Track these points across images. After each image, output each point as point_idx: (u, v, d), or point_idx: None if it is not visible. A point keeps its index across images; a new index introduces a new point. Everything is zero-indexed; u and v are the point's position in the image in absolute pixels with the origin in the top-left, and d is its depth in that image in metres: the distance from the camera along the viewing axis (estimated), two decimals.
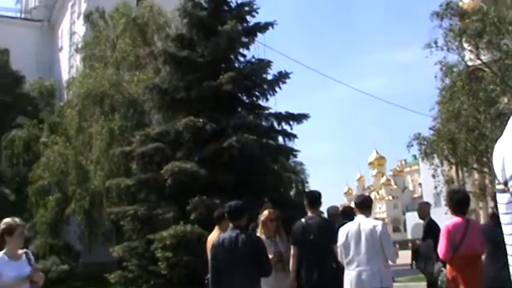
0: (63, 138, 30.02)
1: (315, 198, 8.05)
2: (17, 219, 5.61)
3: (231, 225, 6.71)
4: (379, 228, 7.01)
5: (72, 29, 44.13)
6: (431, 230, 9.37)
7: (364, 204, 7.55)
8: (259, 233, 7.59)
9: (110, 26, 31.25)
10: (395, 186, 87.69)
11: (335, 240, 7.20)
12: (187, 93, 20.12)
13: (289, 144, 21.56)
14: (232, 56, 21.35)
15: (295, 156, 22.96)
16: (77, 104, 28.20)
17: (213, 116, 19.07)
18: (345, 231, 7.16)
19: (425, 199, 43.67)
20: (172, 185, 18.27)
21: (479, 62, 25.02)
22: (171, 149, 19.59)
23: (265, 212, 7.86)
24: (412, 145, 25.87)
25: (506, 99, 23.83)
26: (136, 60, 27.96)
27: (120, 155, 22.11)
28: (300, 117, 20.96)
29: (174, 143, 19.63)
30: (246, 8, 21.54)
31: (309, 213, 7.82)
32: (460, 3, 26.06)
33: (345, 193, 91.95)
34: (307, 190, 35.42)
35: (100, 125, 26.23)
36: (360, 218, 7.24)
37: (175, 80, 20.67)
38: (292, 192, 30.55)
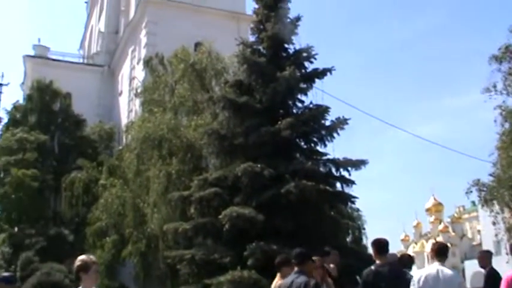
0: (121, 181, 30.52)
1: (382, 245, 8.10)
2: (91, 257, 5.67)
3: (295, 268, 6.91)
4: (458, 278, 6.94)
5: (131, 74, 45.30)
6: (493, 279, 9.18)
7: (442, 252, 7.52)
8: None
9: (168, 71, 31.87)
10: (453, 233, 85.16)
11: None
12: (246, 138, 20.26)
13: (347, 190, 21.36)
14: (290, 102, 21.44)
15: (353, 203, 22.71)
16: (136, 147, 28.70)
17: (271, 161, 19.12)
18: (421, 278, 7.07)
19: (484, 247, 42.36)
20: (230, 230, 18.28)
21: None
22: (229, 194, 19.66)
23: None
24: (471, 191, 25.22)
25: None
26: (194, 105, 28.33)
27: (178, 199, 22.26)
28: (358, 163, 20.73)
29: (232, 188, 19.70)
30: (304, 54, 21.70)
31: (378, 261, 7.82)
32: None
33: (402, 240, 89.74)
34: (364, 237, 35.03)
35: (158, 168, 26.53)
36: (436, 265, 7.19)
37: (234, 126, 20.86)
38: (348, 239, 30.12)
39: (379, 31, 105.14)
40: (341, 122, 20.94)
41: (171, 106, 29.05)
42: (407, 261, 9.83)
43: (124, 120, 43.43)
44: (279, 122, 19.63)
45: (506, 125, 24.30)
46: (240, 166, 19.10)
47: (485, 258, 9.87)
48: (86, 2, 73.80)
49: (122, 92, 48.98)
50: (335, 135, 21.06)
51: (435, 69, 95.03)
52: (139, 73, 40.11)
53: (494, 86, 23.83)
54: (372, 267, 8.00)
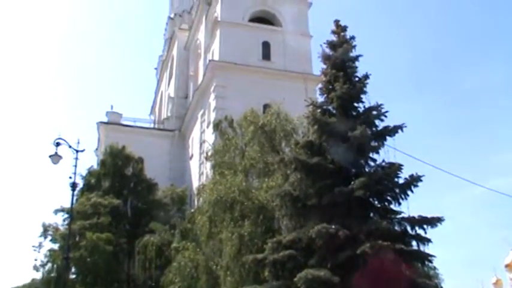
0: (193, 244, 30.60)
1: None
2: None
3: None
4: None
5: (202, 137, 46.11)
6: None
7: None
8: None
9: (238, 133, 32.19)
10: None
11: None
12: (319, 199, 20.14)
13: (423, 248, 20.72)
14: (362, 161, 21.26)
15: (430, 262, 21.93)
16: (207, 210, 28.83)
17: (345, 222, 18.90)
18: None
19: None
20: None
21: None
22: (304, 256, 19.44)
23: None
24: None
25: None
26: (264, 167, 28.38)
27: (251, 262, 22.13)
28: (433, 221, 20.17)
29: (306, 250, 19.49)
30: (374, 112, 21.63)
31: None
32: None
33: None
34: None
35: (230, 231, 26.52)
36: None
37: (306, 187, 20.77)
38: None
39: (448, 82, 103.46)
40: (414, 179, 20.56)
41: (242, 168, 29.22)
42: None
43: (195, 183, 43.99)
44: (352, 182, 19.49)
45: None
46: (314, 228, 18.92)
47: None
48: (155, 69, 76.43)
49: (192, 155, 49.80)
50: (409, 192, 20.70)
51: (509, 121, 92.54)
52: (209, 136, 40.74)
53: None
54: None
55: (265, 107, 36.23)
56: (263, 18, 50.19)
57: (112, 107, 57.04)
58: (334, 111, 21.92)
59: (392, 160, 21.14)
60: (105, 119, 56.02)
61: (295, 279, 18.14)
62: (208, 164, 35.96)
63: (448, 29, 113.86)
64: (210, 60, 47.74)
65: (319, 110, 21.70)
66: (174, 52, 62.22)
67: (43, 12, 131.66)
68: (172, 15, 70.24)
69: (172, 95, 60.58)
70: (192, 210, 36.63)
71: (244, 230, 26.07)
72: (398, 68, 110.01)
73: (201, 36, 54.07)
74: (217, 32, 48.23)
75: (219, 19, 48.82)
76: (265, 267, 20.74)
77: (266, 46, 48.31)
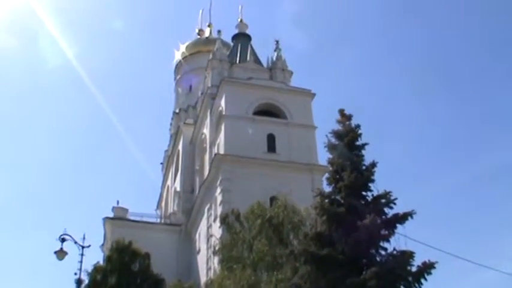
0: None
1: None
2: None
3: None
4: None
5: (209, 232, 45.52)
6: None
7: None
8: None
9: (245, 227, 31.83)
10: None
11: None
12: None
13: None
14: (373, 251, 20.84)
15: None
16: None
17: None
18: None
19: None
20: None
21: None
22: None
23: None
24: None
25: None
26: (273, 260, 27.91)
27: None
28: None
29: None
30: (383, 200, 21.43)
31: None
32: None
33: None
34: None
35: None
36: None
37: (317, 279, 20.25)
38: None
39: (456, 166, 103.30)
40: (427, 267, 20.14)
41: (250, 262, 28.72)
42: None
43: (203, 279, 43.08)
44: (364, 272, 18.98)
45: None
46: None
47: None
48: (161, 163, 76.70)
49: (200, 250, 49.09)
50: (422, 280, 20.14)
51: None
52: (216, 230, 40.26)
53: None
54: None
55: (272, 199, 36.02)
56: (268, 111, 50.78)
57: (118, 202, 56.83)
58: (342, 201, 21.70)
59: (403, 248, 20.75)
60: (111, 214, 55.65)
61: None
62: (216, 259, 35.39)
63: (460, 104, 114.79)
64: (215, 154, 47.86)
65: (327, 200, 21.49)
66: (180, 147, 62.61)
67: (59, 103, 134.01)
68: (177, 110, 71.26)
69: (178, 189, 60.48)
70: None
71: None
72: (406, 153, 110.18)
73: (206, 130, 54.57)
74: (222, 126, 48.63)
75: (223, 113, 49.31)
76: None
77: (271, 138, 48.53)
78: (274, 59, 58.12)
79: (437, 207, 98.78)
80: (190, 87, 72.43)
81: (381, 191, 21.81)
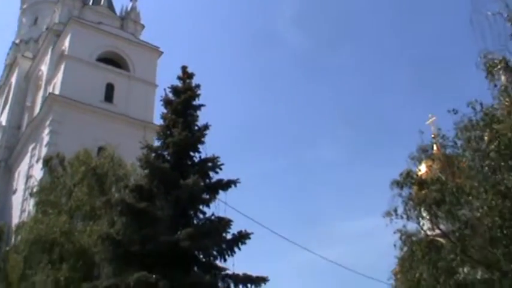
0: (4, 284, 28.23)
1: None
2: None
3: None
4: None
5: (29, 172, 43.46)
6: None
7: None
8: None
9: (68, 172, 30.52)
10: None
11: None
12: (143, 246, 19.28)
13: None
14: (191, 212, 20.84)
15: None
16: (24, 249, 26.85)
17: (168, 272, 18.19)
18: None
19: None
20: None
21: (438, 231, 24.94)
22: None
23: None
24: None
25: (466, 269, 23.50)
26: (91, 210, 26.95)
27: None
28: (258, 280, 20.17)
29: None
30: (210, 164, 21.43)
31: None
32: (420, 173, 26.45)
33: None
34: None
35: (45, 273, 24.72)
36: None
37: (131, 232, 19.90)
38: None
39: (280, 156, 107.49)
40: (243, 236, 20.49)
41: (67, 209, 27.57)
42: None
43: (15, 220, 41.01)
44: (179, 232, 18.91)
45: (406, 249, 24.53)
46: (134, 275, 17.99)
47: None
48: None
49: (16, 189, 46.67)
50: (236, 249, 20.55)
51: (332, 193, 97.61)
52: (37, 172, 38.41)
53: (395, 210, 24.20)
54: None
55: (100, 149, 34.86)
56: (112, 60, 49.23)
57: None
58: (168, 158, 21.42)
59: (222, 215, 20.94)
60: None
61: None
62: (32, 201, 33.71)
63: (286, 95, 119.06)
64: (49, 93, 45.64)
65: (153, 154, 21.07)
66: (13, 79, 58.75)
67: None
68: (17, 41, 66.65)
69: (4, 123, 56.90)
70: (7, 248, 33.95)
71: (61, 274, 24.40)
72: (239, 123, 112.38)
73: (45, 67, 51.72)
74: (62, 66, 46.36)
75: (65, 53, 47.10)
76: None
77: (110, 88, 47.06)
78: (128, 9, 56.44)
79: (271, 184, 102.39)
80: (36, 19, 68.00)
81: (209, 155, 21.81)
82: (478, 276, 22.32)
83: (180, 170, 20.70)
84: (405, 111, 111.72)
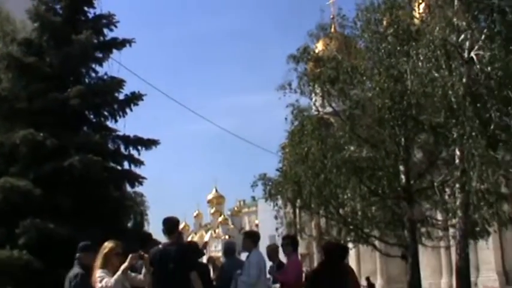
0: None
1: (172, 224, 8.12)
2: None
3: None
4: None
5: None
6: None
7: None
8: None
9: None
10: (232, 226, 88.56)
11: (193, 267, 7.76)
12: (30, 103, 18.28)
13: (135, 170, 20.28)
14: (83, 70, 19.80)
15: (141, 183, 21.37)
16: None
17: (56, 131, 17.39)
18: None
19: (261, 241, 43.78)
20: (1, 203, 16.34)
21: (329, 109, 25.38)
22: (4, 162, 17.57)
23: (111, 245, 6.72)
24: (256, 185, 25.29)
25: (352, 147, 24.26)
26: None
27: None
28: (149, 143, 19.87)
29: (9, 157, 17.60)
30: (104, 21, 20.21)
31: (167, 240, 7.94)
32: (317, 51, 26.46)
33: (181, 229, 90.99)
34: (146, 222, 34.01)
35: None
36: None
37: (18, 88, 18.72)
38: (129, 224, 28.90)
39: (185, 26, 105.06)
40: (136, 97, 19.91)
41: None
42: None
43: None
44: (69, 90, 18.03)
45: (297, 123, 24.85)
46: (19, 133, 17.15)
47: (275, 252, 10.49)
48: None
49: None
50: (128, 111, 19.96)
51: (235, 66, 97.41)
52: None
53: (290, 84, 24.21)
54: (160, 246, 8.07)
55: None
56: None
57: None
58: (61, 12, 19.99)
59: (116, 75, 20.10)
60: None
61: None
62: None
63: None
64: None
65: (44, 7, 19.55)
66: None
67: None
68: None
69: None
70: None
71: None
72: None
73: None
74: None
75: None
76: None
77: None
78: None
79: (171, 53, 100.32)
80: None
81: (105, 12, 20.52)
82: (364, 154, 23.07)
83: (73, 25, 19.37)
84: None
